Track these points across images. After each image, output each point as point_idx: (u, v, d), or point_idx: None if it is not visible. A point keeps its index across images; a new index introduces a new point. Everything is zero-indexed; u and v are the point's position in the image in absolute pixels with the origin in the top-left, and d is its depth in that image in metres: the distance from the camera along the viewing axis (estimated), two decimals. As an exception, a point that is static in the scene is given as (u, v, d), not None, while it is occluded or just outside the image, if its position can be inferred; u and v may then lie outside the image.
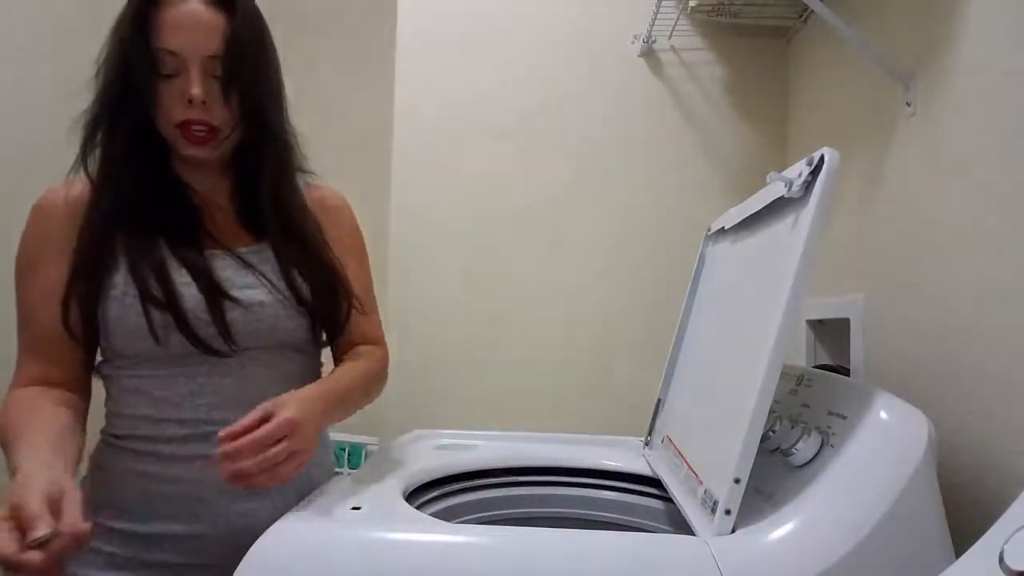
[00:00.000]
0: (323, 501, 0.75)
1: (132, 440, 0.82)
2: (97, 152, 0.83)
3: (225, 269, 0.84)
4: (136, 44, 0.78)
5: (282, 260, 0.87)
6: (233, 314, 0.82)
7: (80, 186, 0.83)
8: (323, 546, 0.62)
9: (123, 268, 0.80)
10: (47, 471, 0.63)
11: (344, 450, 1.85)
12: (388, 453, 1.06)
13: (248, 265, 0.85)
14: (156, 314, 0.78)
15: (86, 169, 0.83)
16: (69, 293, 0.80)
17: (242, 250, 0.86)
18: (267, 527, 0.65)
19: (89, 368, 0.85)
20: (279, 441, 0.69)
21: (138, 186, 0.82)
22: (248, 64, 0.82)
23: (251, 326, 0.83)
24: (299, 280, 0.87)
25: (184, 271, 0.81)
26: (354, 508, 0.75)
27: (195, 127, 0.80)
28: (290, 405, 0.72)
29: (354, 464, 1.77)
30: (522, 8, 1.55)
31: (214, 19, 0.80)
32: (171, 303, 0.79)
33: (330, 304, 0.89)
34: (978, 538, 0.48)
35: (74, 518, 0.59)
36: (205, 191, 0.88)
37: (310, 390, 0.79)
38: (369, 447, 1.69)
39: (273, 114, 0.87)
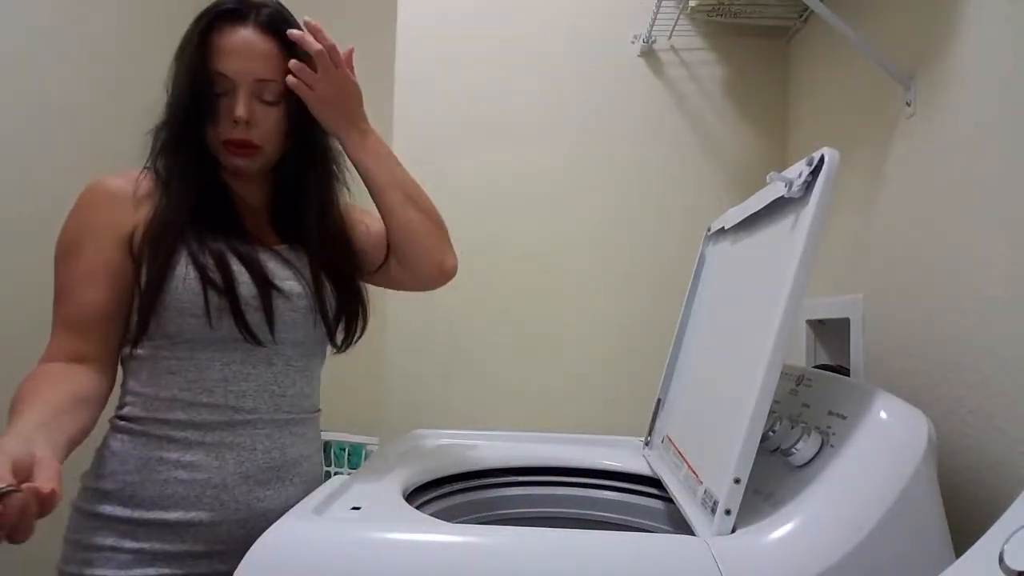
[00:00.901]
0: (323, 501, 0.75)
1: (154, 424, 0.84)
2: (162, 157, 0.90)
3: (268, 262, 0.90)
4: (200, 70, 0.86)
5: (314, 261, 0.94)
6: (277, 302, 0.88)
7: (148, 183, 0.89)
8: (323, 546, 0.62)
9: (184, 255, 0.85)
10: (22, 442, 0.62)
11: (344, 450, 1.85)
12: (388, 453, 1.06)
13: (286, 260, 0.92)
14: (214, 296, 0.84)
15: (156, 171, 0.90)
16: (149, 284, 0.84)
17: (277, 248, 0.93)
18: (281, 512, 0.70)
19: (118, 348, 0.87)
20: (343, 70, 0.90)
21: (199, 190, 0.89)
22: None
23: (290, 315, 0.90)
24: (326, 282, 0.94)
25: (239, 262, 0.87)
26: (354, 508, 0.75)
27: (237, 144, 0.88)
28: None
29: (354, 464, 1.77)
30: (522, 8, 1.55)
31: (265, 46, 0.87)
32: (228, 288, 0.84)
33: (350, 311, 0.97)
34: (978, 538, 0.48)
35: (44, 482, 0.57)
36: (244, 195, 0.95)
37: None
38: (369, 447, 1.69)
39: (319, 132, 0.95)
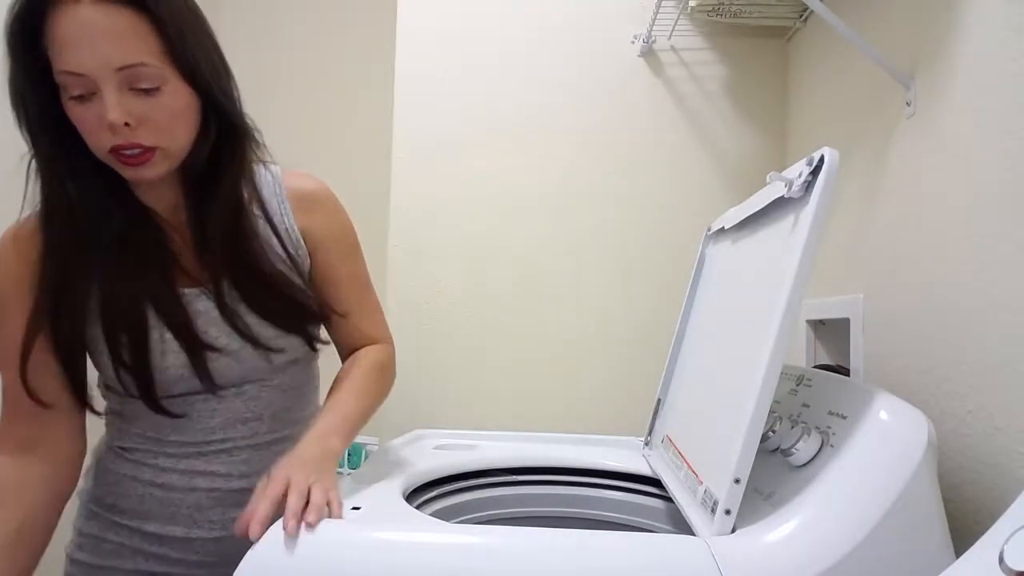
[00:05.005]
0: (323, 501, 0.75)
1: (132, 451, 0.85)
2: (45, 194, 0.74)
3: (203, 315, 0.79)
4: (29, 73, 0.68)
5: (246, 300, 0.81)
6: (214, 364, 0.80)
7: (30, 226, 0.76)
8: (323, 546, 0.62)
9: (98, 320, 0.76)
10: None
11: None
12: (388, 453, 1.06)
13: (225, 307, 0.79)
14: (127, 376, 0.78)
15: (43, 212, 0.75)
16: (27, 349, 0.73)
17: (211, 288, 0.79)
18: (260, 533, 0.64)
19: (82, 409, 0.81)
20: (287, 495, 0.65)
21: (98, 217, 0.74)
22: (186, 42, 0.70)
23: (233, 367, 0.81)
24: (257, 320, 0.82)
25: (163, 324, 0.77)
26: (354, 508, 0.74)
27: (126, 151, 0.70)
28: (278, 465, 0.69)
29: (354, 464, 1.77)
30: (522, 8, 1.55)
31: (116, 20, 0.65)
32: (139, 371, 0.77)
33: (303, 328, 0.87)
34: (978, 538, 0.48)
35: None
36: (166, 211, 0.79)
37: (307, 440, 0.73)
38: (369, 447, 1.69)
39: (227, 99, 0.77)
